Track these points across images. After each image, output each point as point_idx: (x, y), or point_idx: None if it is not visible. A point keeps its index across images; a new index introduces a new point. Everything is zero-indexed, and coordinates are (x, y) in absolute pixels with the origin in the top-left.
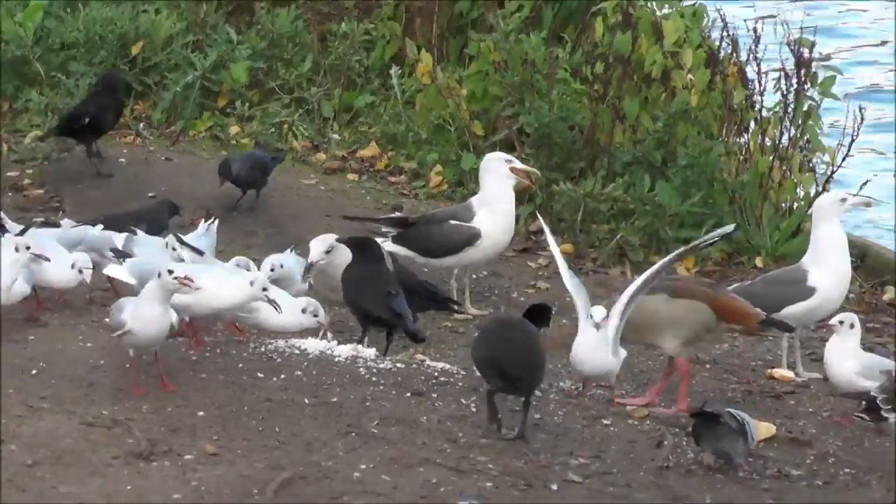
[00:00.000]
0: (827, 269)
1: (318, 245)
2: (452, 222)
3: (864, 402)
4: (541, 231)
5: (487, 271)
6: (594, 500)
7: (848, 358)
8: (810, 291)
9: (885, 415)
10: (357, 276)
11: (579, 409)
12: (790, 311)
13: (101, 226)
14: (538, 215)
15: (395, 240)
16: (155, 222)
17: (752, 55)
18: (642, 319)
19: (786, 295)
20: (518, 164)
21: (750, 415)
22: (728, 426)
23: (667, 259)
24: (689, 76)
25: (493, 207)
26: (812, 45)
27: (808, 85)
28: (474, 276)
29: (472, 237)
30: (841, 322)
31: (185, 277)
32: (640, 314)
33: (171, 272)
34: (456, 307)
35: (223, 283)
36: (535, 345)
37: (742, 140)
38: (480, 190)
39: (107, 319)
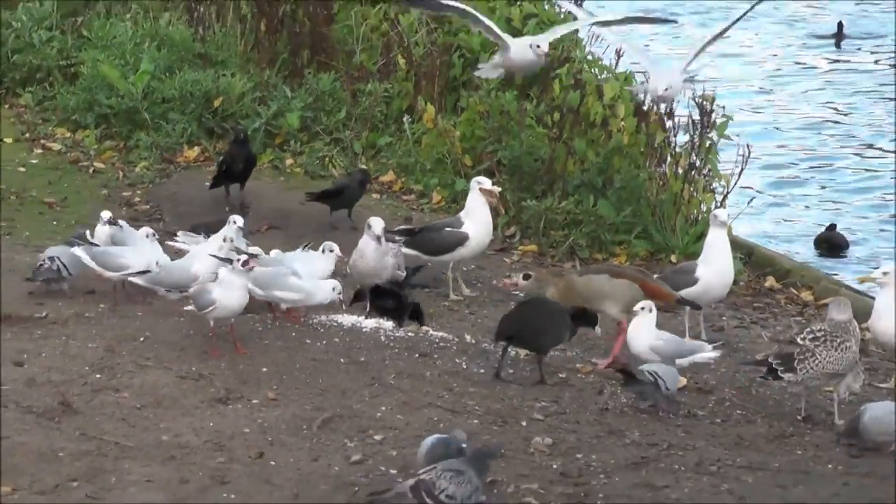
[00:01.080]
0: (710, 266)
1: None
2: (447, 229)
3: (765, 368)
4: (513, 235)
5: (474, 265)
6: (553, 433)
7: (646, 334)
8: (695, 281)
9: (781, 375)
10: None
11: (542, 366)
12: (682, 294)
13: None
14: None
15: (407, 244)
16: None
17: (668, 107)
18: (591, 292)
19: (680, 282)
20: (486, 185)
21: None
22: (644, 381)
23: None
24: (622, 123)
25: (475, 218)
26: (713, 100)
27: (709, 129)
28: (464, 269)
29: (462, 239)
30: (642, 308)
31: (246, 262)
32: (589, 289)
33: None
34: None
35: (316, 286)
36: (556, 320)
37: (661, 169)
38: (466, 205)
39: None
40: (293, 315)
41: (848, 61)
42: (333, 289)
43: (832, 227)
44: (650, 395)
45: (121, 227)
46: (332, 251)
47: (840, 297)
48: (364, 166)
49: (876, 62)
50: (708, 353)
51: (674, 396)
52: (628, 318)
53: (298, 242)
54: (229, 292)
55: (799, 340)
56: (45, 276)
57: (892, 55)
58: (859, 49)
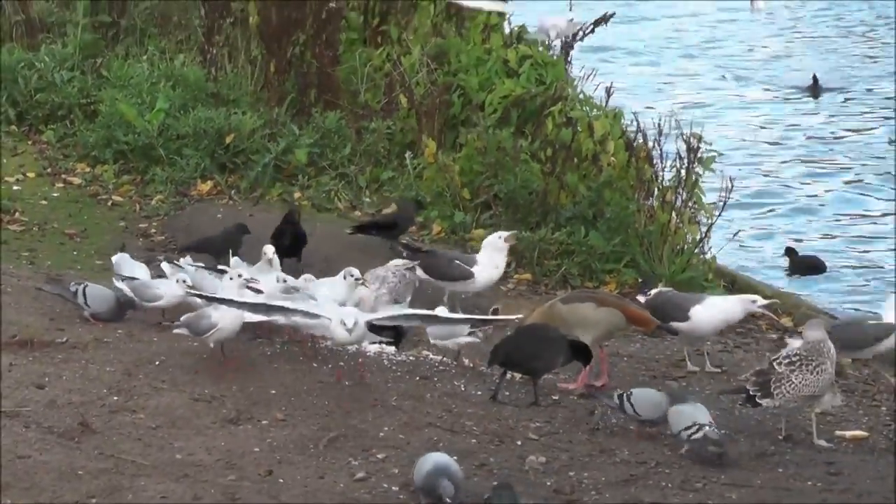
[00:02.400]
0: (695, 311)
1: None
2: (457, 262)
3: (743, 394)
4: (510, 264)
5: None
6: (547, 451)
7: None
8: (688, 318)
9: (759, 401)
10: None
11: (536, 388)
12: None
13: None
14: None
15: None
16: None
17: (656, 143)
18: (576, 321)
19: (679, 315)
20: (507, 234)
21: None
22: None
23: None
24: (612, 158)
25: (488, 265)
26: (700, 137)
27: (696, 164)
28: (462, 296)
29: (466, 275)
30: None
31: (251, 279)
32: (574, 317)
33: (240, 276)
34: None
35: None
36: (549, 346)
37: (649, 202)
38: (481, 252)
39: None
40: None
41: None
42: (343, 322)
43: (790, 250)
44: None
45: (181, 267)
46: (353, 276)
47: (814, 319)
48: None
49: (857, 111)
50: (465, 338)
51: (653, 421)
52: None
53: (304, 270)
54: (226, 314)
55: (775, 366)
56: (59, 291)
57: (871, 102)
58: (836, 98)
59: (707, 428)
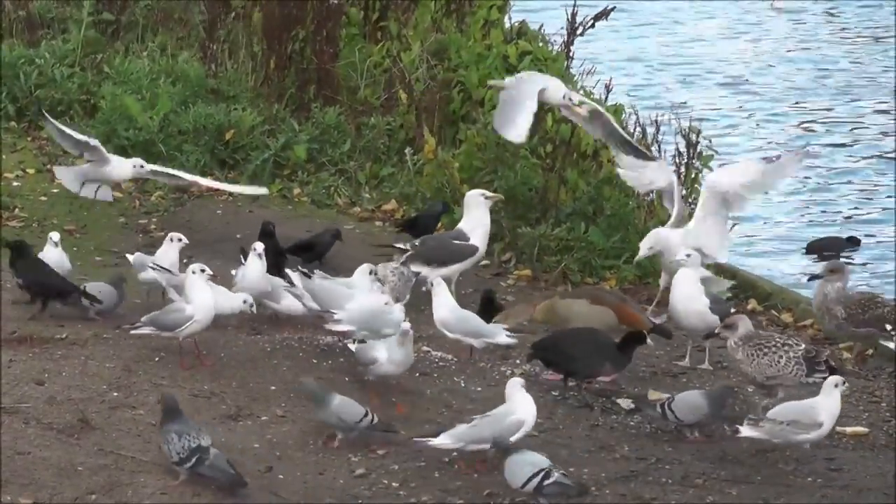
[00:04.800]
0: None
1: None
2: (457, 242)
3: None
4: (509, 260)
5: (473, 288)
6: (547, 447)
7: (443, 309)
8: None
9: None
10: None
11: (536, 384)
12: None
13: None
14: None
15: (413, 258)
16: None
17: (655, 139)
18: (571, 318)
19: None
20: (489, 194)
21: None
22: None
23: None
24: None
25: (479, 232)
26: (698, 132)
27: (695, 159)
28: (463, 292)
29: (473, 251)
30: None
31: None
32: (569, 314)
33: (203, 271)
34: None
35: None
36: (593, 351)
37: (649, 198)
38: (466, 218)
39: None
40: None
41: None
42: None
43: (855, 239)
44: (660, 423)
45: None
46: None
47: (738, 314)
48: (444, 201)
49: None
50: (501, 339)
51: (690, 424)
52: None
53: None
54: (204, 303)
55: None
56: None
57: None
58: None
59: (555, 472)
